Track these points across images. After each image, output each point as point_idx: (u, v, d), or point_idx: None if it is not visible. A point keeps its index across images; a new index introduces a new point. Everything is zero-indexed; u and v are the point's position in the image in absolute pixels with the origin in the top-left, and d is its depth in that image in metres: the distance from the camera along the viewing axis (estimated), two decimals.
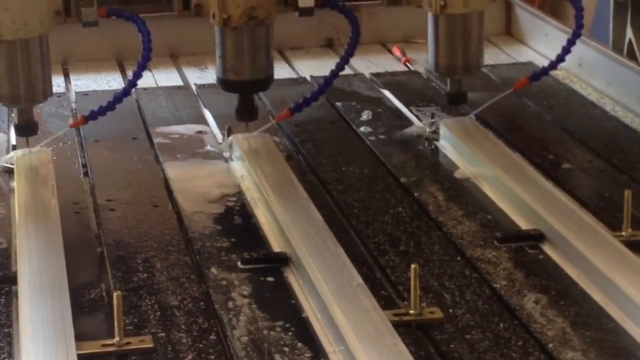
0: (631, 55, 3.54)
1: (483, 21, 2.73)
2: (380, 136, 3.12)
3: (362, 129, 3.18)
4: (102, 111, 2.63)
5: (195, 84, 3.62)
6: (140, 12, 2.59)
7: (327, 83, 2.80)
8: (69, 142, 3.06)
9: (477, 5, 2.65)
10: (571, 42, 2.80)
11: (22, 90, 2.48)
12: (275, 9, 2.58)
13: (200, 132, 3.15)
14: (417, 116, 3.27)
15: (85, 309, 2.16)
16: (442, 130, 3.03)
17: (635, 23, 3.61)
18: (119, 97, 2.62)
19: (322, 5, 2.65)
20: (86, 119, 2.67)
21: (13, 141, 2.95)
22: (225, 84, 2.71)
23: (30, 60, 2.45)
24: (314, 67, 3.80)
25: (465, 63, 2.76)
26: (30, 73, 2.46)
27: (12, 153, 2.70)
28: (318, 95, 2.82)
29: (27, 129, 2.60)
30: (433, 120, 3.10)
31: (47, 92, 2.56)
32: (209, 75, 3.70)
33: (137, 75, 2.60)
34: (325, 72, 3.63)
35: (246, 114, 2.76)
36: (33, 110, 2.60)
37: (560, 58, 2.84)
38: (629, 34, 3.61)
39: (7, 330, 2.10)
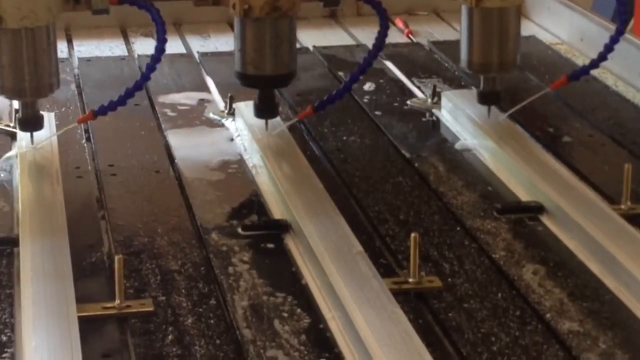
0: None
1: (520, 15, 2.62)
2: (382, 107, 3.12)
3: (364, 99, 3.18)
4: (112, 106, 2.54)
5: (197, 52, 3.62)
6: (154, 0, 2.48)
7: (352, 80, 2.68)
8: (71, 108, 3.06)
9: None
10: (614, 40, 2.68)
11: (27, 83, 2.38)
12: None
13: (202, 100, 3.15)
14: (419, 88, 3.27)
15: (87, 272, 2.17)
16: (444, 102, 3.03)
17: None
18: (131, 91, 2.52)
19: None
20: (95, 114, 2.56)
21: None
22: (245, 78, 2.57)
23: (36, 50, 2.35)
24: (317, 38, 3.80)
25: (501, 60, 2.63)
26: (36, 65, 2.37)
27: (13, 151, 2.61)
28: (344, 92, 2.68)
29: (31, 124, 2.50)
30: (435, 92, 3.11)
31: (53, 85, 2.46)
32: (211, 44, 3.71)
33: (151, 68, 2.50)
34: (328, 42, 3.65)
35: (266, 111, 2.63)
36: (38, 104, 2.51)
37: (603, 56, 2.71)
38: None
39: (8, 291, 2.11)
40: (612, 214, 2.35)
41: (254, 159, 2.72)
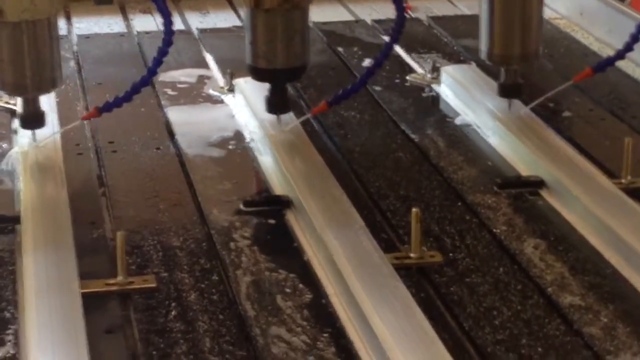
0: None
1: (542, 4, 2.52)
2: (382, 82, 3.12)
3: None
4: (117, 102, 2.46)
5: (197, 29, 3.62)
6: None
7: (368, 74, 2.59)
8: (70, 85, 3.06)
9: None
10: (639, 30, 2.59)
11: (28, 79, 2.32)
12: None
13: (202, 76, 3.15)
14: (418, 63, 3.27)
15: (89, 249, 2.18)
16: (444, 77, 3.04)
17: None
18: (137, 87, 2.44)
19: None
20: (99, 111, 2.48)
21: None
22: (256, 72, 2.51)
23: (37, 44, 2.28)
24: (316, 13, 3.79)
25: (523, 52, 2.55)
26: (38, 59, 2.30)
27: (15, 149, 2.56)
28: (359, 87, 2.61)
29: (33, 121, 2.43)
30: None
31: (56, 80, 2.39)
32: (210, 20, 3.71)
33: (157, 62, 2.41)
34: (329, 19, 3.64)
35: (278, 106, 2.55)
36: (39, 100, 2.44)
37: (629, 46, 2.61)
38: None
39: (11, 268, 2.12)
40: (613, 188, 2.36)
41: (254, 134, 2.73)
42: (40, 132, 2.49)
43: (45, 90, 2.38)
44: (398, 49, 3.39)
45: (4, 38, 2.24)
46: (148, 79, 2.43)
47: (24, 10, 2.18)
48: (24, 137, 2.46)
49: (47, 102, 2.65)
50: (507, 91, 2.59)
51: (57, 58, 2.34)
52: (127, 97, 2.42)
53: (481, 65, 3.09)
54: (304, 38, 2.42)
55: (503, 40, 2.49)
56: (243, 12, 2.41)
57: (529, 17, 2.45)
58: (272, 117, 2.54)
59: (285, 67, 2.43)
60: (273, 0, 2.28)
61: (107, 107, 2.43)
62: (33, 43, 2.26)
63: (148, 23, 3.50)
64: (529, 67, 2.68)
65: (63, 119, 2.70)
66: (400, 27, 2.47)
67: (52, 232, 2.18)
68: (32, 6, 2.18)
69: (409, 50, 3.36)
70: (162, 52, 2.36)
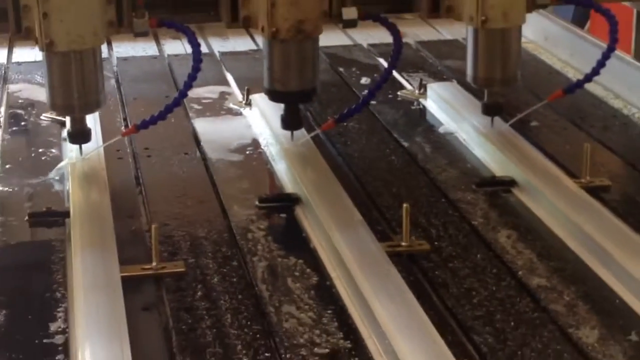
0: None
1: (521, 34, 2.47)
2: (377, 97, 3.11)
3: (361, 91, 3.17)
4: (153, 120, 2.42)
5: (218, 52, 3.61)
6: (189, 22, 2.39)
7: (370, 95, 2.58)
8: (111, 99, 3.06)
9: (516, 20, 2.37)
10: (606, 57, 2.54)
11: (76, 101, 2.27)
12: (321, 22, 2.33)
13: (223, 92, 3.15)
14: (407, 81, 3.27)
15: (127, 239, 2.18)
16: (429, 93, 3.03)
17: None
18: (170, 107, 2.40)
19: (364, 18, 2.39)
20: (137, 128, 2.44)
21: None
22: (273, 94, 2.45)
23: (84, 71, 2.24)
24: (321, 39, 3.78)
25: (504, 76, 2.49)
26: (84, 84, 2.26)
27: (64, 161, 2.50)
28: (362, 107, 2.57)
29: (80, 137, 2.38)
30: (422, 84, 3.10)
31: (100, 102, 2.34)
32: (230, 44, 3.69)
33: (187, 86, 2.38)
34: (331, 43, 3.62)
35: (292, 124, 2.50)
36: (85, 119, 2.39)
37: (595, 71, 2.56)
38: None
39: (61, 255, 2.13)
40: (574, 186, 2.35)
41: (268, 143, 2.71)
42: (86, 146, 2.47)
43: (91, 111, 2.35)
44: (396, 74, 3.38)
45: (54, 65, 2.21)
46: (179, 100, 2.41)
47: (72, 41, 2.15)
48: (72, 151, 2.44)
49: (92, 117, 2.64)
50: (489, 110, 2.56)
51: (100, 83, 2.30)
52: (162, 116, 2.39)
53: (461, 83, 3.09)
54: (315, 64, 2.38)
55: (486, 66, 2.45)
56: (262, 42, 2.36)
57: (508, 47, 2.41)
58: (286, 132, 2.52)
59: (298, 90, 2.39)
60: (288, 33, 2.25)
61: (144, 125, 2.41)
62: (80, 70, 2.22)
63: (177, 47, 3.49)
64: (509, 89, 2.64)
65: (105, 129, 2.69)
66: (397, 55, 2.45)
67: (96, 225, 2.17)
68: (79, 38, 2.15)
69: (399, 70, 3.34)
70: (192, 77, 2.34)
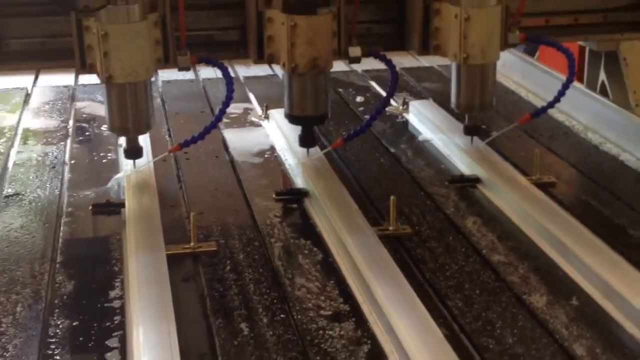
0: (604, 93, 3.37)
1: (495, 68, 2.37)
2: (369, 112, 3.11)
3: (357, 108, 3.18)
4: (194, 140, 2.37)
5: (242, 76, 3.60)
6: (223, 59, 2.33)
7: (372, 118, 2.48)
8: (158, 114, 3.05)
9: (492, 57, 2.29)
10: (565, 86, 2.46)
11: (130, 124, 2.21)
12: (332, 58, 2.26)
13: (246, 108, 3.15)
14: (393, 99, 3.26)
15: (171, 224, 2.18)
16: (411, 109, 3.03)
17: (607, 67, 3.49)
18: (208, 129, 2.35)
19: (367, 55, 2.30)
20: (181, 146, 2.38)
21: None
22: (292, 118, 2.37)
23: (137, 99, 2.19)
24: None
25: (481, 103, 2.39)
26: (137, 110, 2.20)
27: (121, 173, 2.44)
28: (366, 128, 2.48)
29: (133, 154, 2.32)
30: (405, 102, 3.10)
31: (149, 125, 2.27)
32: (252, 70, 3.67)
33: (222, 112, 2.33)
34: (332, 70, 3.60)
35: (308, 142, 2.42)
36: (138, 139, 2.33)
37: (557, 99, 2.48)
38: (602, 76, 3.51)
39: (118, 237, 2.13)
40: (526, 182, 2.35)
41: (283, 148, 2.71)
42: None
43: (143, 132, 2.29)
44: (380, 90, 3.38)
45: (113, 95, 2.17)
46: (216, 124, 2.37)
47: (127, 75, 2.11)
48: (127, 164, 2.41)
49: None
50: (469, 130, 2.50)
51: (151, 108, 2.25)
52: (201, 137, 2.36)
53: (436, 100, 3.09)
54: (326, 93, 2.33)
55: (467, 95, 2.38)
56: (282, 75, 2.31)
57: (485, 79, 2.35)
58: (303, 151, 2.48)
59: (313, 114, 2.33)
60: (304, 68, 2.21)
61: (186, 144, 2.37)
62: (134, 99, 2.18)
63: (210, 73, 3.48)
64: (486, 114, 2.57)
65: (154, 137, 2.67)
66: (394, 84, 2.41)
67: (146, 213, 2.18)
68: (133, 72, 2.11)
69: (386, 89, 3.35)
70: (226, 104, 2.30)
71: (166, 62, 2.18)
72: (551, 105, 2.48)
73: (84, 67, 2.14)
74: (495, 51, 2.24)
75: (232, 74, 3.59)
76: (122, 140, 2.36)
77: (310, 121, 2.34)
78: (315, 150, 2.46)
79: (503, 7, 2.18)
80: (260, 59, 2.27)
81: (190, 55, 2.19)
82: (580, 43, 3.46)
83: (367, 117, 3.03)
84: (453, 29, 2.19)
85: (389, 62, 2.36)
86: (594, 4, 2.50)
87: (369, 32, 2.36)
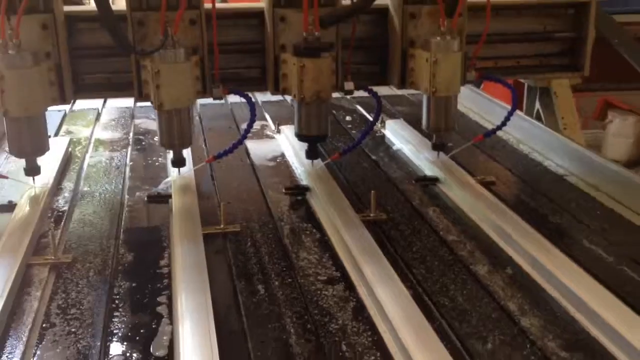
0: (539, 119, 3.40)
1: (457, 99, 2.33)
2: (355, 128, 3.12)
3: (346, 125, 3.18)
4: (225, 153, 2.32)
5: (260, 100, 3.60)
6: (248, 91, 2.31)
7: (362, 137, 2.44)
8: (196, 129, 3.06)
9: (455, 91, 2.26)
10: (510, 113, 2.42)
11: (177, 140, 2.17)
12: (332, 91, 2.21)
13: (263, 125, 3.15)
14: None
15: (206, 211, 2.16)
16: (387, 126, 3.03)
17: (541, 99, 3.52)
18: (236, 145, 2.30)
19: (358, 89, 2.28)
20: (215, 157, 2.33)
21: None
22: (300, 137, 2.31)
23: (181, 122, 2.14)
24: None
25: (446, 126, 2.33)
26: (182, 129, 2.15)
27: (168, 179, 2.38)
28: (358, 144, 2.46)
29: (178, 163, 2.27)
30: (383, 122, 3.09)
31: (191, 141, 2.22)
32: (267, 96, 3.65)
33: (247, 132, 2.26)
34: None
35: (313, 156, 2.38)
36: (182, 152, 2.27)
37: (503, 123, 2.44)
38: (537, 106, 3.53)
39: (166, 221, 2.13)
40: (473, 181, 2.34)
41: (291, 155, 2.70)
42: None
43: (186, 147, 2.24)
44: (364, 112, 3.38)
45: (163, 118, 2.14)
46: (242, 141, 2.33)
47: (174, 103, 2.09)
48: (174, 171, 2.38)
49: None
50: (436, 147, 2.46)
51: (191, 128, 2.21)
52: (230, 151, 2.33)
53: (406, 120, 3.08)
54: (327, 118, 2.29)
55: (435, 120, 2.34)
56: (292, 102, 2.27)
57: (449, 107, 2.32)
58: (308, 161, 2.45)
59: (317, 134, 2.30)
60: (310, 98, 2.17)
61: (219, 156, 2.34)
62: (179, 121, 2.15)
63: (236, 98, 3.45)
64: (449, 134, 2.53)
65: (194, 149, 2.63)
66: (379, 111, 2.41)
67: (188, 203, 2.18)
68: (178, 101, 2.09)
69: (369, 112, 3.35)
70: (250, 125, 2.28)
71: (204, 93, 2.17)
72: (499, 128, 2.46)
73: (141, 97, 2.12)
74: (457, 86, 2.24)
75: (253, 100, 3.64)
76: (170, 153, 2.34)
77: (315, 139, 2.33)
78: (318, 162, 2.44)
79: (463, 53, 2.19)
80: (276, 91, 2.26)
81: (222, 87, 2.18)
82: (521, 80, 3.47)
83: (354, 132, 3.06)
84: (425, 69, 2.20)
85: (375, 94, 2.35)
86: (532, 51, 2.51)
87: (359, 71, 2.36)
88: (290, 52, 2.15)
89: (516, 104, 2.43)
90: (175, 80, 2.03)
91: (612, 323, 1.54)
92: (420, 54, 2.20)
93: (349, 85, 2.24)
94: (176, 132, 2.15)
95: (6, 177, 2.21)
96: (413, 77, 2.26)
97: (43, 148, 2.10)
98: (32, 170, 2.14)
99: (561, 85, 3.55)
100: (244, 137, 2.30)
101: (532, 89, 3.54)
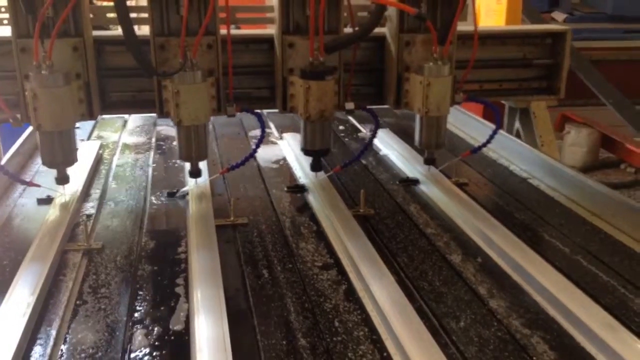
0: (518, 136, 3.33)
1: (447, 119, 2.25)
2: (348, 136, 3.12)
3: (340, 133, 3.18)
4: (237, 165, 2.26)
5: (266, 112, 3.58)
6: (258, 109, 2.24)
7: (363, 151, 2.38)
8: (210, 136, 3.06)
9: (445, 111, 2.18)
10: (495, 132, 2.37)
11: (194, 153, 2.09)
12: (334, 110, 2.15)
13: (268, 132, 3.14)
14: (363, 128, 3.26)
15: (218, 206, 2.16)
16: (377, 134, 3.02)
17: (521, 118, 3.39)
18: (248, 157, 2.26)
19: (358, 108, 2.21)
20: (229, 169, 2.27)
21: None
22: (306, 151, 2.22)
23: (198, 137, 2.07)
24: None
25: (437, 142, 2.24)
26: (199, 144, 2.07)
27: (186, 187, 2.31)
28: (359, 157, 2.39)
29: (195, 174, 2.18)
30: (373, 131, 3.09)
31: (206, 154, 2.14)
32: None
33: (258, 145, 2.23)
34: None
35: (317, 168, 2.30)
36: (199, 164, 2.18)
37: (488, 141, 2.39)
38: (517, 125, 3.42)
39: (184, 214, 2.11)
40: (449, 183, 2.34)
41: (292, 158, 2.70)
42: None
43: (202, 159, 2.16)
44: (356, 122, 3.36)
45: (182, 133, 2.08)
46: (253, 154, 2.27)
47: (192, 120, 2.02)
48: (191, 181, 2.32)
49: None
50: (428, 161, 2.38)
51: (207, 142, 2.13)
52: (243, 163, 2.28)
53: (392, 130, 3.08)
54: (330, 134, 2.23)
55: (426, 137, 2.26)
56: (299, 120, 2.19)
57: (440, 126, 2.25)
58: (313, 173, 2.39)
59: (320, 149, 2.22)
60: (315, 117, 2.11)
61: (232, 168, 2.28)
62: (196, 137, 2.08)
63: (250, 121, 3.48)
64: (439, 150, 2.38)
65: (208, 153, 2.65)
66: (376, 129, 2.36)
67: (203, 198, 2.18)
68: (196, 118, 2.02)
69: (360, 123, 3.35)
70: (260, 140, 2.24)
71: (219, 110, 2.13)
72: (484, 145, 2.41)
73: (162, 114, 2.08)
74: (447, 107, 2.20)
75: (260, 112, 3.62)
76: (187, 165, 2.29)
77: (319, 153, 2.27)
78: (321, 173, 2.39)
79: (452, 77, 2.15)
80: (284, 109, 2.21)
81: (235, 106, 2.14)
82: (503, 101, 3.44)
83: (347, 140, 3.05)
84: (418, 91, 2.16)
85: (373, 114, 2.31)
86: (512, 75, 2.46)
87: (358, 92, 2.32)
88: (297, 75, 2.12)
89: (500, 123, 2.39)
90: (193, 99, 2.00)
91: (568, 304, 1.55)
92: (414, 77, 2.17)
93: (350, 105, 2.20)
94: (194, 146, 2.09)
95: (38, 186, 2.18)
96: (407, 98, 2.23)
97: (72, 159, 2.05)
98: (62, 179, 2.10)
99: (539, 107, 3.52)
100: (255, 150, 2.25)
101: (512, 110, 3.51)
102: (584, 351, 1.44)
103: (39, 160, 2.16)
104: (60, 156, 2.02)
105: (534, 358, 1.41)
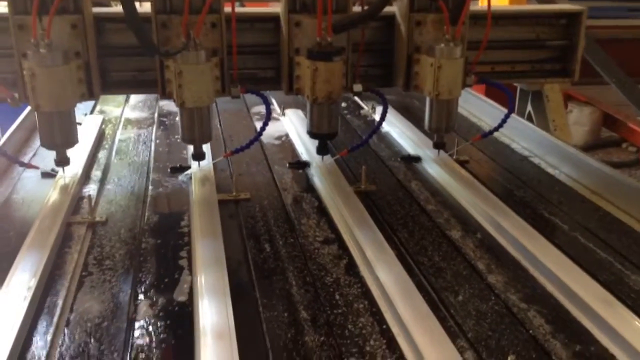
0: (530, 119, 3.23)
1: (458, 102, 2.18)
2: (351, 114, 3.11)
3: (343, 111, 3.16)
4: (242, 148, 2.22)
5: (268, 91, 3.58)
6: (263, 90, 2.18)
7: (370, 136, 2.32)
8: (213, 111, 3.02)
9: (456, 94, 2.11)
10: (507, 116, 2.28)
11: (197, 136, 2.03)
12: (342, 92, 2.09)
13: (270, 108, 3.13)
14: (366, 105, 3.26)
15: (221, 181, 2.18)
16: (377, 111, 3.03)
17: (533, 101, 3.29)
18: (253, 140, 2.18)
19: (366, 90, 2.14)
20: (232, 152, 2.23)
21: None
22: (312, 134, 2.16)
23: (202, 119, 2.01)
24: None
25: (447, 126, 2.17)
26: (202, 126, 2.02)
27: (189, 170, 2.27)
28: (366, 141, 2.32)
29: (198, 157, 2.13)
30: (373, 107, 3.10)
31: (210, 137, 2.08)
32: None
33: (263, 129, 2.18)
34: None
35: (323, 152, 2.24)
36: (202, 147, 2.13)
37: (500, 125, 2.28)
38: (529, 108, 3.31)
39: (187, 189, 2.13)
40: (450, 160, 2.35)
41: (294, 134, 2.70)
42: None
43: (206, 142, 2.10)
44: (358, 100, 3.33)
45: (185, 115, 2.03)
46: (258, 137, 2.23)
47: (195, 101, 1.96)
48: (194, 164, 2.28)
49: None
50: (437, 145, 2.31)
51: (211, 124, 2.08)
52: (247, 146, 2.23)
53: (394, 107, 3.03)
54: (337, 117, 2.17)
55: (437, 121, 2.19)
56: (306, 102, 2.13)
57: (451, 110, 2.18)
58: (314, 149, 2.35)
59: (327, 132, 2.16)
60: (322, 99, 2.05)
61: (237, 151, 2.24)
62: (200, 118, 2.03)
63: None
64: (449, 134, 2.31)
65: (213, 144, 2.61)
66: (385, 112, 2.28)
67: (205, 173, 2.18)
68: (199, 100, 1.97)
69: (360, 99, 3.33)
70: (265, 123, 2.17)
71: (223, 92, 2.07)
72: (496, 129, 2.36)
73: (164, 94, 2.03)
74: (458, 90, 2.14)
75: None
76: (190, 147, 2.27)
77: (325, 137, 2.21)
78: (328, 157, 2.35)
79: (464, 59, 2.09)
80: (290, 91, 2.15)
81: (239, 87, 2.09)
82: (515, 84, 3.39)
83: (348, 116, 3.06)
84: (429, 73, 2.09)
85: (381, 95, 2.26)
86: (525, 57, 2.37)
87: (367, 74, 2.25)
88: (304, 55, 2.07)
89: (513, 107, 2.32)
90: (196, 80, 1.95)
91: (565, 280, 1.57)
92: (425, 59, 2.10)
93: (358, 87, 2.15)
94: (197, 129, 2.04)
95: (37, 168, 2.15)
96: (417, 80, 2.15)
97: (72, 141, 1.97)
98: (62, 161, 2.05)
99: (553, 90, 3.46)
100: (260, 133, 2.21)
101: (524, 92, 3.44)
102: (579, 325, 1.47)
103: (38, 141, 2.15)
104: (60, 138, 1.96)
105: (530, 331, 1.44)
